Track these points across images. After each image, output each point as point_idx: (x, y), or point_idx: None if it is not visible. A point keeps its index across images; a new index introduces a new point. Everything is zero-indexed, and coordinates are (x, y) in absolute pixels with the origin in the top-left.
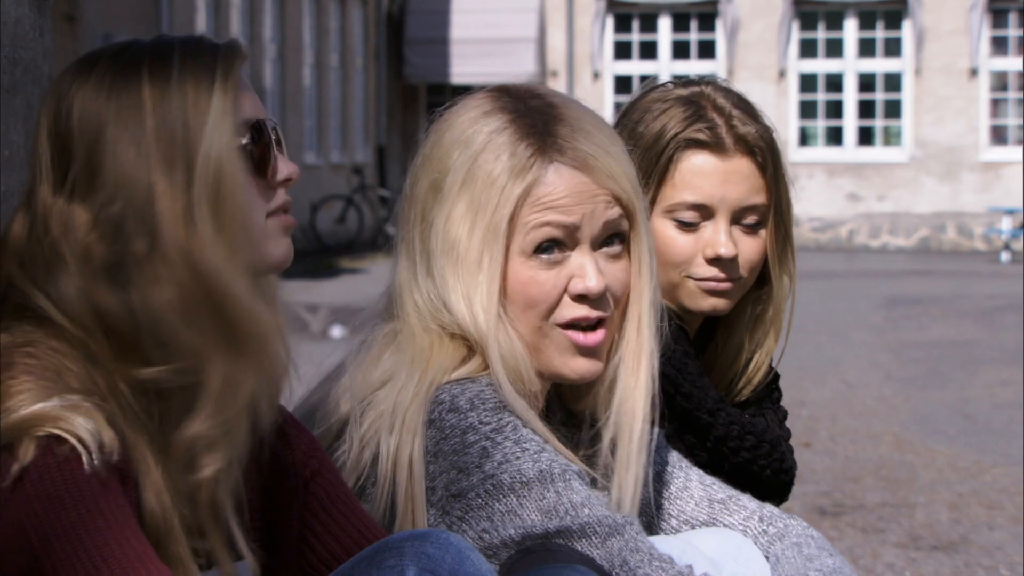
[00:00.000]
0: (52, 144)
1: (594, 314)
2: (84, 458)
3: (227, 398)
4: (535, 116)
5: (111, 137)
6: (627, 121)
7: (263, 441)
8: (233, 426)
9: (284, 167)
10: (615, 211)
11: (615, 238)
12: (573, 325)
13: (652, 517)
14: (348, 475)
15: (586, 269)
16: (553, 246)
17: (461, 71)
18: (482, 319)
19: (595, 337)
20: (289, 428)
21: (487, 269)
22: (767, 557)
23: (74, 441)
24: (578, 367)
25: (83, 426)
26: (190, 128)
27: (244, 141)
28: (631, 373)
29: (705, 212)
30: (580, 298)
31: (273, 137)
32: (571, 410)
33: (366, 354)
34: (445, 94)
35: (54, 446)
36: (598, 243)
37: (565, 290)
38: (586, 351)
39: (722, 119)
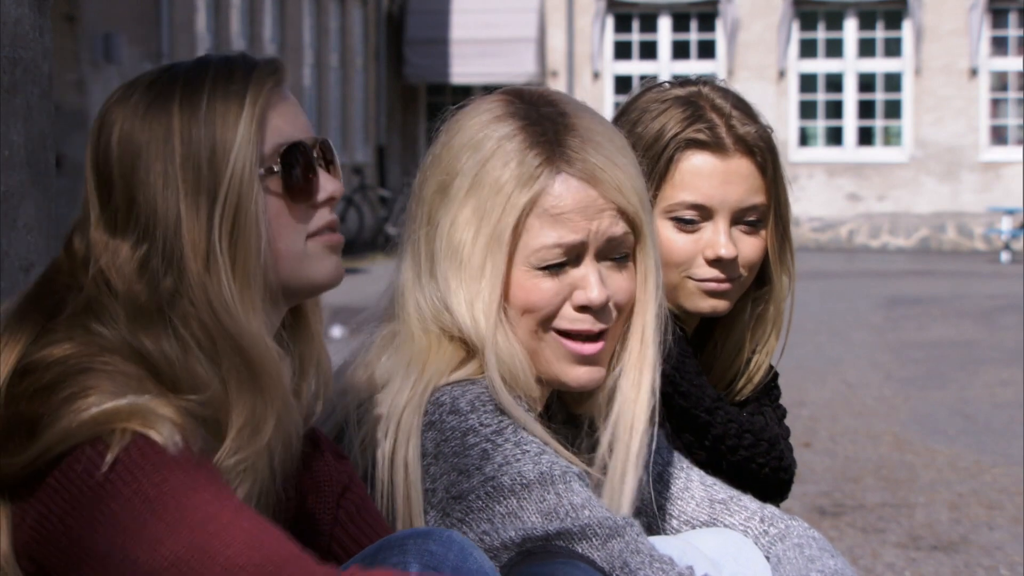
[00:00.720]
0: (95, 175)
1: (597, 327)
2: (173, 441)
3: (250, 434)
4: (546, 124)
5: (144, 168)
6: (625, 121)
7: (301, 458)
8: (254, 462)
9: (327, 186)
10: (620, 228)
11: (620, 250)
12: (574, 335)
13: (653, 517)
14: None
15: (589, 280)
16: (558, 264)
17: (461, 71)
18: (483, 324)
19: (595, 347)
20: (322, 444)
21: (489, 276)
22: (768, 558)
23: (161, 428)
24: (579, 376)
25: (166, 416)
26: (216, 156)
27: (275, 167)
28: (632, 385)
29: (705, 212)
30: (582, 309)
31: (316, 155)
32: (572, 412)
33: (364, 357)
34: (445, 94)
35: (142, 435)
36: (602, 255)
37: (567, 299)
38: (585, 360)
39: (721, 119)
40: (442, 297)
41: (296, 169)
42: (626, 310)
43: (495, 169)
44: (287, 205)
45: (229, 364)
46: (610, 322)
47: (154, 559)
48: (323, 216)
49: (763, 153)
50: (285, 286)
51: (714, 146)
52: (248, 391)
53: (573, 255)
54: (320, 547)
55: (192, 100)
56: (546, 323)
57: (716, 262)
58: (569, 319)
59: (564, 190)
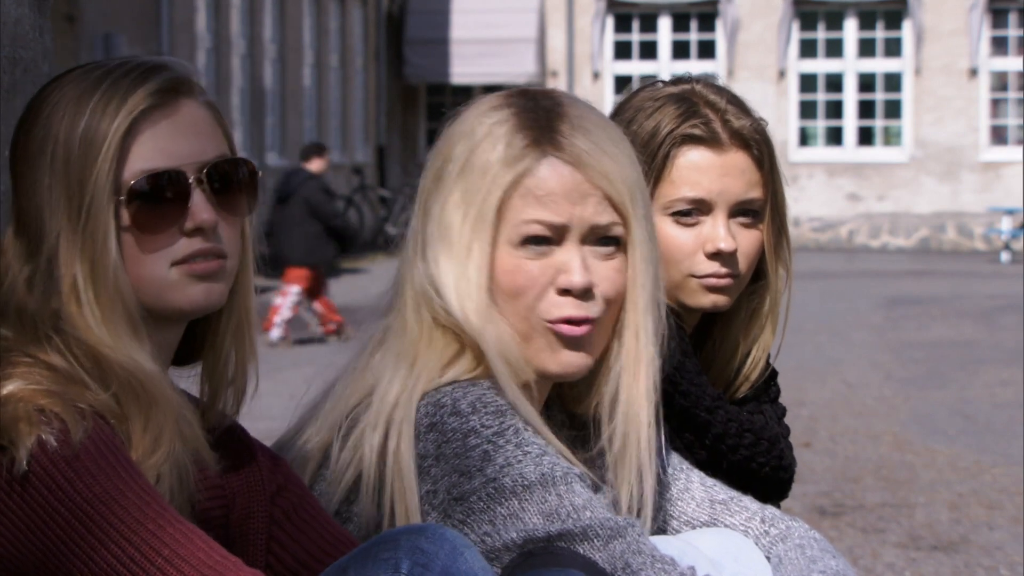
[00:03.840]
0: (11, 170)
1: (580, 313)
2: (95, 435)
3: (150, 447)
4: (540, 112)
5: (32, 176)
6: (619, 121)
7: (230, 461)
8: (158, 474)
9: (201, 214)
10: (607, 217)
11: (608, 240)
12: (560, 321)
13: (653, 518)
14: (337, 484)
15: (571, 264)
16: (541, 240)
17: (461, 71)
18: (471, 307)
19: (580, 330)
20: (252, 446)
21: (476, 257)
22: (769, 558)
23: (82, 421)
24: (562, 361)
25: (86, 406)
26: (82, 181)
27: (128, 196)
28: (633, 381)
29: (704, 207)
30: (565, 292)
31: (195, 181)
32: (572, 412)
33: (353, 364)
34: (445, 94)
35: (64, 428)
36: (588, 240)
37: (551, 283)
38: (572, 343)
39: (716, 114)
40: (432, 279)
41: (161, 198)
42: (616, 303)
43: (484, 152)
44: (143, 235)
45: (117, 383)
46: (595, 311)
47: (86, 571)
48: (192, 244)
49: (759, 146)
50: (152, 312)
51: (710, 141)
52: (139, 408)
53: (555, 234)
54: (258, 548)
55: (78, 112)
56: (533, 307)
57: (716, 255)
58: (554, 303)
59: (549, 172)
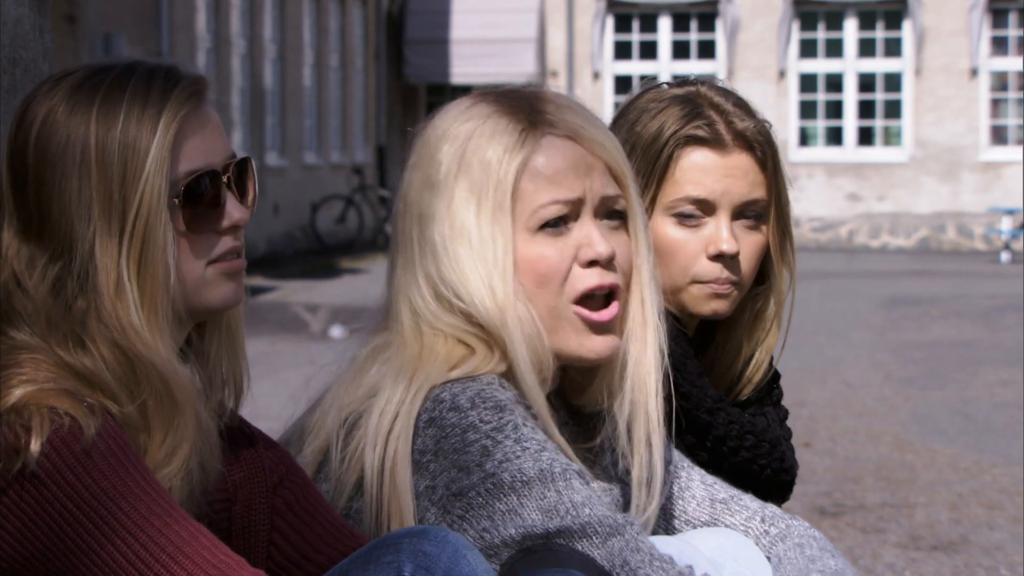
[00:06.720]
0: (10, 170)
1: (607, 279)
2: (104, 431)
3: (166, 456)
4: (520, 99)
5: (59, 179)
6: (623, 122)
7: (231, 453)
8: (170, 484)
9: (233, 213)
10: (612, 188)
11: (614, 213)
12: (588, 297)
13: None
14: (337, 490)
15: (592, 236)
16: (559, 221)
17: (461, 71)
18: (500, 297)
19: (608, 312)
20: (254, 437)
21: (501, 246)
22: (769, 558)
23: (92, 417)
24: (595, 346)
25: (96, 403)
26: (126, 182)
27: (181, 198)
28: (640, 348)
29: (707, 207)
30: (591, 264)
31: (226, 180)
32: (573, 406)
33: (351, 368)
34: (445, 94)
35: (76, 425)
36: (599, 215)
37: (574, 260)
38: (600, 328)
39: (720, 116)
40: (453, 285)
41: (202, 199)
42: (627, 275)
43: (480, 147)
44: (191, 234)
45: (148, 387)
46: (618, 279)
47: (91, 568)
48: (226, 243)
49: (762, 148)
50: (183, 309)
51: (713, 142)
52: (165, 414)
53: (572, 211)
54: (260, 539)
55: (108, 117)
56: (559, 291)
57: (718, 257)
58: (579, 277)
59: (552, 151)
